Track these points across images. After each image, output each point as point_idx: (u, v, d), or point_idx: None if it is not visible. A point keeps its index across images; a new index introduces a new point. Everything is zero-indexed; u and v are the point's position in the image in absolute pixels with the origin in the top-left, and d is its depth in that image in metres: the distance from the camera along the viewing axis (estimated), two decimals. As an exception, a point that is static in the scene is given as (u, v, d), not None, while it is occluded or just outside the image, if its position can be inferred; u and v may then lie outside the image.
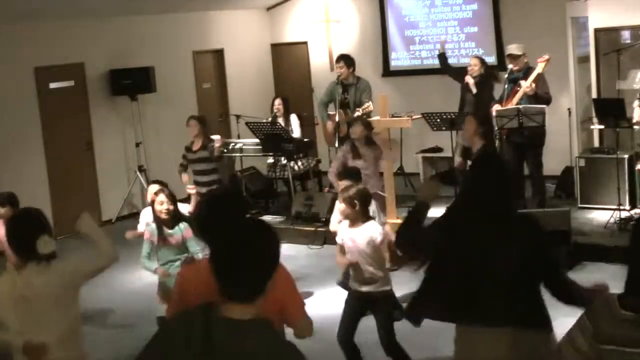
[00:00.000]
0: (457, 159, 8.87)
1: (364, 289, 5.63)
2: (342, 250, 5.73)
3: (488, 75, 10.04)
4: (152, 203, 6.27)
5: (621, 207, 8.80)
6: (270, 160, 10.68)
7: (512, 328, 3.73)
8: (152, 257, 6.27)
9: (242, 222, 2.67)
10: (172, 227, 6.16)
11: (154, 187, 6.46)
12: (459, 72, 10.26)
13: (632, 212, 8.99)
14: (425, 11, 12.38)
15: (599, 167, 9.36)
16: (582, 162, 9.52)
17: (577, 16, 10.98)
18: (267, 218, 10.07)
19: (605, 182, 9.27)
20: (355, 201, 5.53)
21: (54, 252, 4.08)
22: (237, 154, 10.89)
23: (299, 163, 10.70)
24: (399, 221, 9.46)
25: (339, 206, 5.81)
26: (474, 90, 9.86)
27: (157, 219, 6.20)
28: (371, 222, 5.67)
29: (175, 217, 6.18)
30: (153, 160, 11.44)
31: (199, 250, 6.09)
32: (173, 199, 6.21)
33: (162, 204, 6.11)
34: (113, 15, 11.14)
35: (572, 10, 10.89)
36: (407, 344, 6.69)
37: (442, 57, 10.65)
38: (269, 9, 13.75)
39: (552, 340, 3.75)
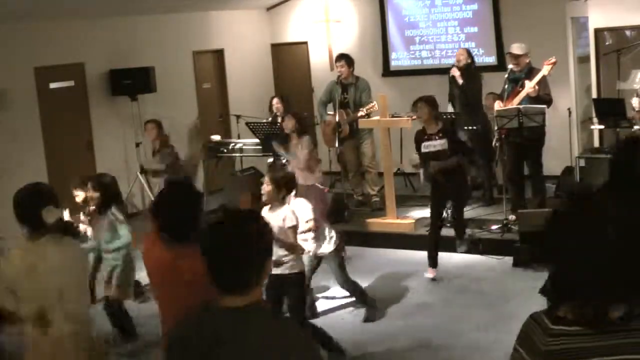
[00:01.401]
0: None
1: (275, 271, 5.81)
2: None
3: (475, 67, 10.12)
4: None
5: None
6: (270, 160, 10.67)
7: None
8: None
9: (230, 216, 2.66)
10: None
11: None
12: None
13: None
14: (425, 11, 12.38)
15: (599, 167, 9.35)
16: (582, 162, 9.53)
17: (577, 16, 11.00)
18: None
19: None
20: (280, 183, 5.87)
21: (66, 224, 4.20)
22: (237, 154, 10.89)
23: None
24: (399, 221, 9.49)
25: (264, 187, 6.03)
26: (460, 82, 9.91)
27: None
28: (285, 206, 5.94)
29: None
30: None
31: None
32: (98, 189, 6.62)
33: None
34: (113, 15, 11.14)
35: (572, 10, 10.90)
36: (407, 344, 6.72)
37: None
38: (269, 9, 13.76)
39: None
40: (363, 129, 10.28)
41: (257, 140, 10.54)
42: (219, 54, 13.02)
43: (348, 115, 10.22)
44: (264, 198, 6.01)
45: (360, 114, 10.07)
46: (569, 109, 10.60)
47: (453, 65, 10.19)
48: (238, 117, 11.44)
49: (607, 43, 10.75)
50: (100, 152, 11.14)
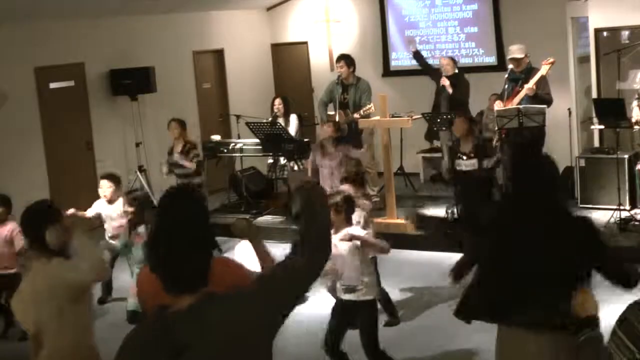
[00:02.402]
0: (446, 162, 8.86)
1: (347, 297, 5.58)
2: None
3: (461, 75, 10.21)
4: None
5: (621, 207, 8.80)
6: (270, 160, 10.68)
7: (552, 329, 3.63)
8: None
9: (172, 211, 2.57)
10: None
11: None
12: (436, 72, 10.47)
13: (632, 212, 8.99)
14: (425, 11, 12.38)
15: (599, 167, 9.36)
16: (582, 162, 9.52)
17: (577, 16, 10.99)
18: (267, 218, 10.08)
19: (605, 182, 9.26)
20: (341, 207, 5.51)
21: (64, 245, 4.16)
22: (237, 154, 10.89)
23: (299, 163, 10.69)
24: (399, 221, 9.48)
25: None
26: (450, 91, 10.04)
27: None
28: (352, 227, 5.65)
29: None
30: (153, 160, 11.43)
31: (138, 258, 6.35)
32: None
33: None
34: (113, 15, 11.13)
35: (572, 10, 10.90)
36: (408, 344, 6.71)
37: (418, 55, 10.78)
38: (269, 9, 13.75)
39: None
40: (362, 129, 10.27)
41: (257, 140, 10.54)
42: (219, 54, 13.01)
43: (347, 116, 10.22)
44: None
45: (356, 115, 10.08)
46: (569, 109, 10.60)
47: (442, 75, 10.32)
48: (238, 117, 11.44)
49: (607, 43, 10.74)
50: (100, 152, 11.13)
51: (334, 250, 5.37)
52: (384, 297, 7.01)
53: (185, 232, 2.47)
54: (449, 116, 9.84)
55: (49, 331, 4.01)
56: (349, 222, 5.64)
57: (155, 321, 2.49)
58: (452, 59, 10.40)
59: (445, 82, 10.11)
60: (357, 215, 6.22)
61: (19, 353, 5.76)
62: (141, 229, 6.42)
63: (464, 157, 8.23)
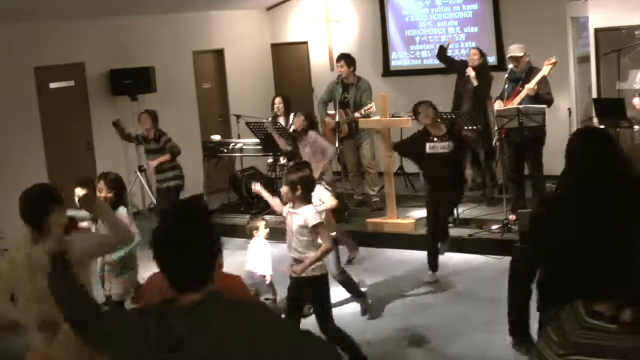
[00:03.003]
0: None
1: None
2: None
3: (487, 67, 10.12)
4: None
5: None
6: (270, 160, 10.67)
7: None
8: None
9: (175, 211, 2.62)
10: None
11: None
12: (462, 62, 10.34)
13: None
14: (425, 11, 12.38)
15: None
16: (582, 162, 9.50)
17: (577, 16, 11.00)
18: (267, 218, 10.07)
19: (605, 182, 9.24)
20: (298, 186, 5.71)
21: (70, 226, 4.15)
22: (237, 154, 10.89)
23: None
24: (399, 221, 9.48)
25: (283, 189, 5.95)
26: (475, 83, 9.90)
27: None
28: (308, 206, 5.78)
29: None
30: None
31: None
32: (113, 186, 6.42)
33: (101, 191, 6.41)
34: (113, 15, 11.14)
35: (572, 10, 10.90)
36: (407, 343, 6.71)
37: (442, 49, 10.70)
38: (269, 9, 13.76)
39: None
40: (363, 129, 10.28)
41: (257, 140, 10.53)
42: (219, 54, 13.01)
43: (347, 115, 10.22)
44: (285, 200, 5.95)
45: (357, 115, 10.08)
46: (569, 109, 10.60)
47: (466, 64, 10.18)
48: (238, 117, 11.44)
49: (607, 43, 10.75)
50: (100, 152, 11.14)
51: (288, 224, 5.75)
52: (345, 280, 7.20)
53: (189, 236, 2.50)
54: (450, 116, 9.83)
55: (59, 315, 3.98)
56: (307, 201, 5.79)
57: (152, 312, 2.51)
58: (480, 50, 10.27)
59: (471, 72, 9.99)
60: (318, 192, 6.55)
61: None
62: (121, 210, 6.39)
63: (436, 139, 8.01)
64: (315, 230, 5.70)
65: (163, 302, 2.50)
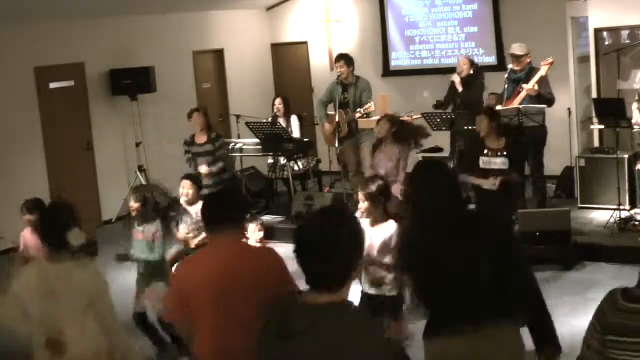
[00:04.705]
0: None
1: (373, 291, 5.45)
2: None
3: (476, 77, 10.05)
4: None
5: (621, 207, 8.79)
6: (270, 160, 10.67)
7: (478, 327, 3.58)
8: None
9: (324, 214, 2.68)
10: (139, 225, 6.39)
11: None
12: (450, 89, 10.24)
13: (632, 212, 8.99)
14: (425, 11, 12.38)
15: (599, 167, 9.36)
16: (582, 162, 9.52)
17: (577, 16, 10.99)
18: (267, 218, 10.07)
19: (605, 182, 9.26)
20: (378, 197, 5.29)
21: (89, 247, 4.11)
22: (237, 154, 10.88)
23: (299, 163, 10.70)
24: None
25: (361, 205, 5.41)
26: (460, 89, 9.92)
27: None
28: (390, 222, 5.35)
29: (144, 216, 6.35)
30: (153, 160, 11.44)
31: (157, 254, 6.27)
32: (142, 199, 6.36)
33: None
34: (113, 15, 11.13)
35: (572, 10, 10.89)
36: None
37: (439, 104, 10.50)
38: (269, 9, 13.75)
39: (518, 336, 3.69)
40: (363, 129, 10.25)
41: (257, 140, 10.53)
42: (219, 54, 13.01)
43: (347, 115, 10.21)
44: (364, 216, 5.36)
45: (357, 115, 10.07)
46: (569, 109, 10.60)
47: (455, 72, 10.16)
48: (238, 117, 11.44)
49: (607, 43, 10.74)
50: (100, 152, 11.13)
51: (368, 243, 5.16)
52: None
53: (337, 237, 2.55)
54: (450, 116, 9.83)
55: (71, 337, 3.91)
56: (387, 214, 5.36)
57: (280, 304, 2.61)
58: (470, 61, 10.22)
59: (455, 78, 10.00)
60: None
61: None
62: (149, 227, 6.31)
63: (490, 153, 7.41)
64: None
65: (291, 296, 2.62)
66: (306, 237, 2.56)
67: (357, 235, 2.63)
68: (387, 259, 5.30)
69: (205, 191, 7.25)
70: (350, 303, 2.58)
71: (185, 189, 6.75)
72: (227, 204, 3.77)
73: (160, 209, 6.49)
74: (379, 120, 8.29)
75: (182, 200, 6.73)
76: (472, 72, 10.03)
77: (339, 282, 2.55)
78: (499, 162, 7.39)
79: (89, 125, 11.06)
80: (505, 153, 7.40)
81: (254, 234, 6.79)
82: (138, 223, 6.38)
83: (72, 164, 10.71)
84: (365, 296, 5.52)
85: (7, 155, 9.90)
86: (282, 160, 10.48)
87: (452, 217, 3.69)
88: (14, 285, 4.10)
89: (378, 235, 5.32)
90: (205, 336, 3.57)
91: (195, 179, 7.15)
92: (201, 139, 9.13)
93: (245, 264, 3.59)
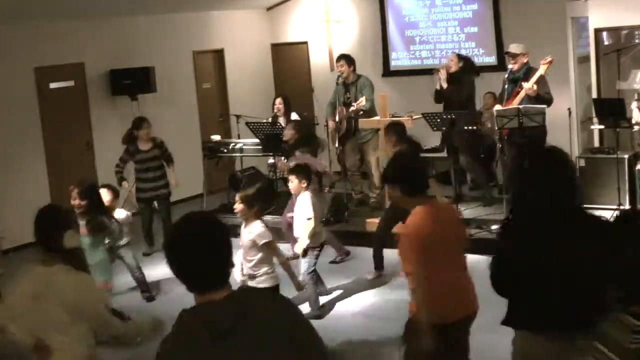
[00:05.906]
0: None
1: (250, 283, 6.01)
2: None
3: (465, 74, 10.00)
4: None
5: (621, 207, 8.80)
6: (271, 160, 10.67)
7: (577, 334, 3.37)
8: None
9: (193, 220, 2.71)
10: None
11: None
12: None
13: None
14: (425, 11, 12.38)
15: (599, 167, 9.36)
16: (582, 162, 9.52)
17: (577, 16, 11.00)
18: (267, 218, 10.07)
19: (605, 182, 9.26)
20: (251, 202, 5.96)
21: (80, 255, 4.14)
22: (237, 154, 10.88)
23: (299, 163, 10.68)
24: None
25: (237, 206, 6.05)
26: (444, 86, 9.88)
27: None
28: (256, 222, 6.00)
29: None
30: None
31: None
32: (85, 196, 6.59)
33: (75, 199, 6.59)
34: (113, 15, 11.14)
35: (572, 10, 10.90)
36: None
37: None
38: (269, 9, 13.76)
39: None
40: (365, 129, 10.22)
41: (257, 140, 10.53)
42: (219, 54, 13.02)
43: (347, 112, 10.21)
44: (239, 216, 6.11)
45: (352, 109, 10.06)
46: (569, 109, 10.59)
47: (443, 67, 10.16)
48: (238, 117, 11.43)
49: (606, 43, 10.75)
50: (100, 152, 11.13)
51: (242, 242, 5.96)
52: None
53: (203, 244, 2.59)
54: (450, 116, 9.82)
55: (57, 343, 3.89)
56: (256, 216, 6.02)
57: (194, 312, 2.57)
58: (459, 57, 10.19)
59: (442, 74, 9.97)
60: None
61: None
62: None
63: None
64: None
65: (193, 307, 2.57)
66: (183, 242, 2.60)
67: (228, 232, 2.72)
68: (254, 256, 5.96)
69: None
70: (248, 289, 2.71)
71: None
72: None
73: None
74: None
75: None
76: (460, 66, 9.97)
77: (227, 277, 2.62)
78: None
79: (89, 125, 11.06)
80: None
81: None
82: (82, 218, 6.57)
83: (72, 164, 10.71)
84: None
85: (7, 155, 9.90)
86: (282, 160, 10.47)
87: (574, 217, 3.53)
88: (9, 288, 4.12)
89: (247, 234, 5.99)
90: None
91: (113, 187, 7.81)
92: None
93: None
